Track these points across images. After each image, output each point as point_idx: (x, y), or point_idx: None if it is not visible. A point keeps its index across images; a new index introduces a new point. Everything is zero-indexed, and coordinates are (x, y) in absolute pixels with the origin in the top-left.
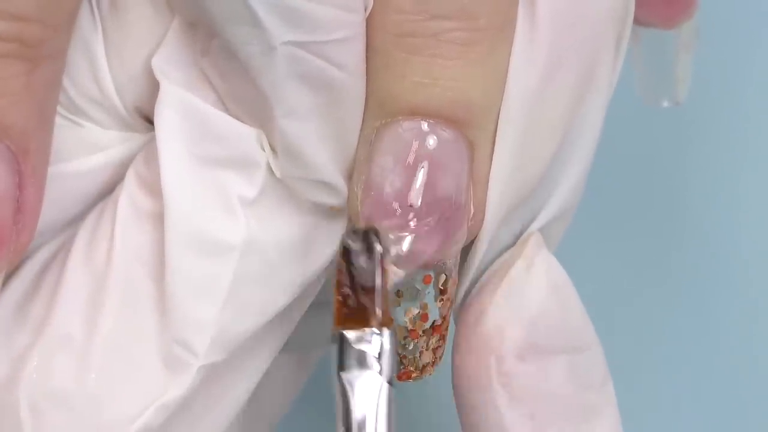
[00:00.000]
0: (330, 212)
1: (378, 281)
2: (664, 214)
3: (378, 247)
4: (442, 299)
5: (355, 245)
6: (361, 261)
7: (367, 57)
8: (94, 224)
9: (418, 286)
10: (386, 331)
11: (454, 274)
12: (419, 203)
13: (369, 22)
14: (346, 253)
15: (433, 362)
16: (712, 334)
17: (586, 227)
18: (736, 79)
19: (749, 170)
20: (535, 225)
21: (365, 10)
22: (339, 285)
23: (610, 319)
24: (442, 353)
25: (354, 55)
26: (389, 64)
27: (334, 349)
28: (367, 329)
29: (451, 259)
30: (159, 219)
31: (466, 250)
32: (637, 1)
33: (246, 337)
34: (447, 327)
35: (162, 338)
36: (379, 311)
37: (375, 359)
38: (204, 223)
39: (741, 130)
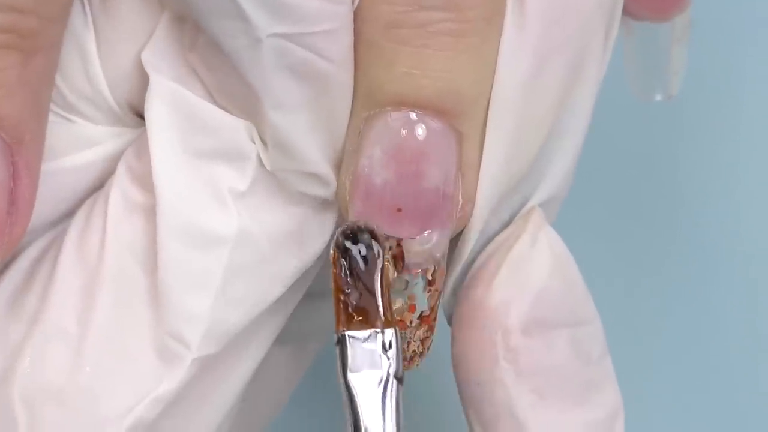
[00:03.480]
0: (320, 203)
1: (378, 281)
2: (658, 208)
3: (377, 248)
4: (430, 290)
5: (355, 247)
6: (360, 262)
7: (355, 48)
8: (86, 218)
9: (406, 277)
10: (390, 330)
11: (443, 265)
12: (408, 198)
13: (357, 13)
14: (344, 254)
15: (421, 353)
16: (710, 329)
17: (580, 222)
18: (729, 72)
19: (743, 163)
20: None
21: (353, 2)
22: (338, 286)
23: (605, 314)
24: (430, 344)
25: (341, 46)
26: (378, 55)
27: (338, 351)
28: (371, 329)
29: (440, 251)
30: (151, 212)
31: (455, 240)
32: None
33: (239, 329)
34: (435, 318)
35: (155, 331)
36: (382, 311)
37: (382, 358)
38: (195, 216)
39: (734, 124)
